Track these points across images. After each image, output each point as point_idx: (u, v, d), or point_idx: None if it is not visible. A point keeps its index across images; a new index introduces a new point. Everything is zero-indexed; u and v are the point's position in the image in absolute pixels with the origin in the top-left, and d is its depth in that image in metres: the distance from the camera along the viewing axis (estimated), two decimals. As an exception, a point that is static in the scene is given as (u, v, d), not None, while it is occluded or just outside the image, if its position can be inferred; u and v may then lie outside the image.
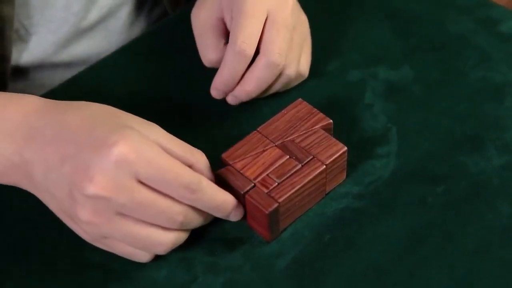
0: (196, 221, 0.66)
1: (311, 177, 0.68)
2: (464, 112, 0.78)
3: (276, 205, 0.66)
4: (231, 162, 0.68)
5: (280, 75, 0.76)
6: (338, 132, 0.73)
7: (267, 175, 0.68)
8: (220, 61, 0.76)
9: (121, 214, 0.62)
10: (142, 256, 0.66)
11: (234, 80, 0.75)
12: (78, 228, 0.65)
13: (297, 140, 0.70)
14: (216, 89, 0.76)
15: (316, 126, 0.71)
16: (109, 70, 0.84)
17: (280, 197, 0.67)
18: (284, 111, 0.73)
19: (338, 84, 0.80)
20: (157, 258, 0.68)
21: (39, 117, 0.65)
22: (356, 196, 0.72)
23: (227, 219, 0.68)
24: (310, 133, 0.71)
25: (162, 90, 0.81)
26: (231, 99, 0.77)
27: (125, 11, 0.91)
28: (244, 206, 0.68)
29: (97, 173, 0.61)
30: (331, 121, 0.72)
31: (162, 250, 0.65)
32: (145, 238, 0.64)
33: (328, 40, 0.84)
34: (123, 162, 0.61)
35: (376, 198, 0.72)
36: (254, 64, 0.74)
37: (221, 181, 0.68)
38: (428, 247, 0.68)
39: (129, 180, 0.61)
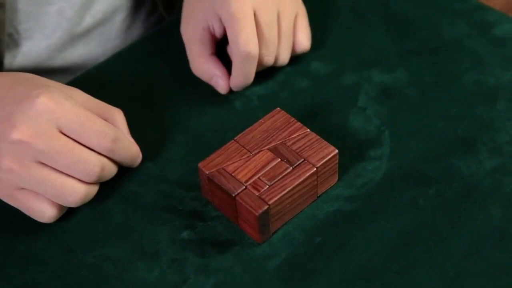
0: (110, 174, 0.70)
1: (301, 179, 0.69)
2: (457, 114, 0.78)
3: (266, 207, 0.67)
4: (207, 172, 0.69)
5: (260, 62, 0.79)
6: (330, 135, 0.74)
7: (259, 178, 0.68)
8: (206, 70, 0.80)
9: (40, 163, 0.66)
10: (47, 212, 0.68)
11: (248, 81, 0.79)
12: None
13: (289, 143, 0.71)
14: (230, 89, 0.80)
15: (294, 135, 0.72)
16: (106, 75, 0.84)
17: (270, 199, 0.67)
18: (261, 120, 0.73)
19: (332, 87, 0.81)
20: (148, 259, 0.68)
21: None
22: (348, 199, 0.72)
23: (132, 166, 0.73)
24: (301, 136, 0.72)
25: (158, 95, 0.82)
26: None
27: (120, 17, 0.92)
28: (236, 209, 0.69)
29: (20, 121, 0.65)
30: (308, 130, 0.72)
31: (73, 201, 0.68)
32: (60, 186, 0.67)
33: (323, 43, 0.85)
34: (44, 110, 0.65)
35: (368, 200, 0.72)
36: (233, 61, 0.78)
37: (212, 184, 0.69)
38: (418, 248, 0.69)
39: (50, 128, 0.66)
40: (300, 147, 0.71)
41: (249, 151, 0.71)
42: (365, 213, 0.71)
